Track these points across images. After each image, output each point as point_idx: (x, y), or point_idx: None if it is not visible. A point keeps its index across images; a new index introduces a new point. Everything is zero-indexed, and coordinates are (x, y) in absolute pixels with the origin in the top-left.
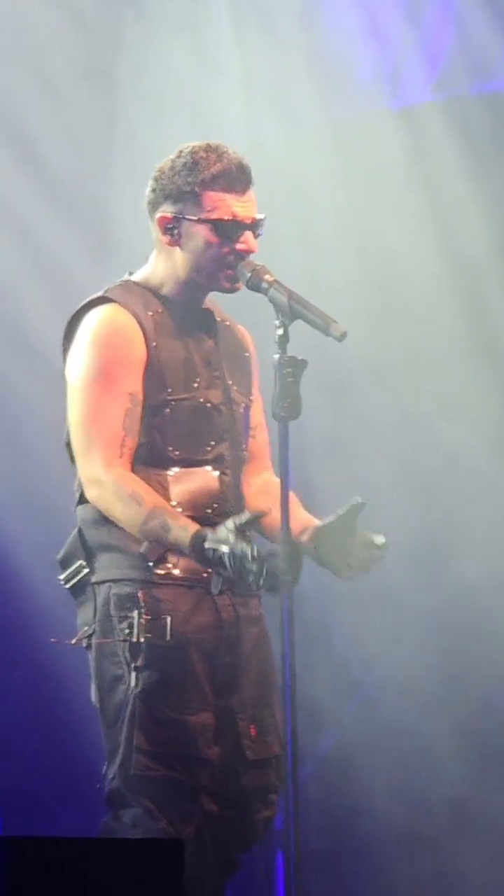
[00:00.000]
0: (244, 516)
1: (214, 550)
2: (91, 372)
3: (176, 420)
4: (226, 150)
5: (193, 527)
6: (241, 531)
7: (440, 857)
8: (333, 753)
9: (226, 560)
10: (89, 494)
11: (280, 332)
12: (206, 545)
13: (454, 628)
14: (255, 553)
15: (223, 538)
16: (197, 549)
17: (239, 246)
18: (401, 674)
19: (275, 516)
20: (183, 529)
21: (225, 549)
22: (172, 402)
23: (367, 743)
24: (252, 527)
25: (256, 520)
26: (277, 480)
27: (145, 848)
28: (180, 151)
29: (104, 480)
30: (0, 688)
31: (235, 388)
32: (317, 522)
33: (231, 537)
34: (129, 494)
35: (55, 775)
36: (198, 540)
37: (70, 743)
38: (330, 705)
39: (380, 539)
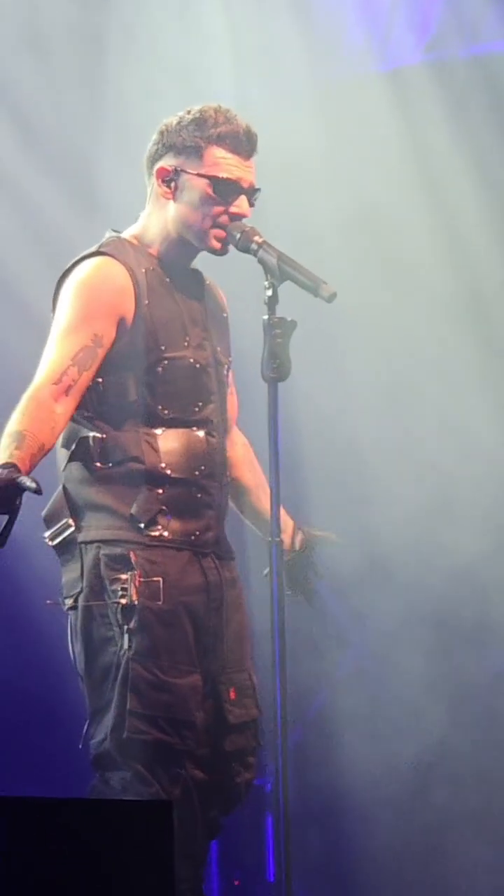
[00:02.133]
0: None
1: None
2: (67, 312)
3: (167, 379)
4: (235, 115)
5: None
6: None
7: (429, 815)
8: (322, 717)
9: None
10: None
11: (269, 293)
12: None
13: (446, 591)
14: None
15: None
16: None
17: (233, 208)
18: (391, 637)
19: (256, 495)
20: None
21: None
22: (165, 361)
23: (356, 707)
24: None
25: None
26: (247, 441)
27: (135, 809)
28: (189, 109)
29: (23, 398)
30: None
31: (219, 348)
32: (290, 521)
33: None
34: (18, 410)
35: (43, 737)
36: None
37: (55, 703)
38: (318, 669)
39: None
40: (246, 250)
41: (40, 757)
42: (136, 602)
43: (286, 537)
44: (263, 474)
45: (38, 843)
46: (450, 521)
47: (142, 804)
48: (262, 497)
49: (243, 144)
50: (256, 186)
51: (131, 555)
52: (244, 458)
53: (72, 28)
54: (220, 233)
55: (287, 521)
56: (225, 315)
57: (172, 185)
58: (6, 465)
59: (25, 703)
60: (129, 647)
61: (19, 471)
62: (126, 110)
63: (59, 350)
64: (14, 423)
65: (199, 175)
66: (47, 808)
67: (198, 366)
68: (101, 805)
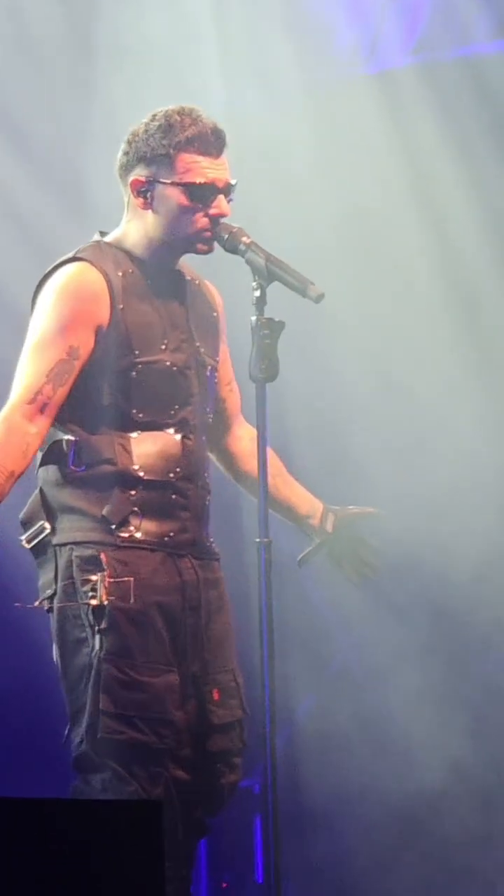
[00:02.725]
0: None
1: None
2: (42, 324)
3: (141, 383)
4: (200, 114)
5: None
6: None
7: (422, 813)
8: (310, 718)
9: None
10: None
11: (257, 293)
12: None
13: (436, 592)
14: None
15: None
16: None
17: (212, 210)
18: (379, 637)
19: (273, 484)
20: None
21: None
22: (139, 365)
23: (344, 707)
24: None
25: None
26: (255, 434)
27: (123, 809)
28: (154, 115)
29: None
30: None
31: (203, 349)
32: (320, 504)
33: None
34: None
35: (25, 737)
36: None
37: (38, 704)
38: (309, 669)
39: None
40: (234, 251)
41: (27, 758)
42: (105, 602)
43: (315, 521)
44: (279, 460)
45: (24, 843)
46: (445, 521)
47: (129, 804)
48: (279, 486)
49: (212, 144)
50: (231, 182)
51: (102, 556)
52: (252, 451)
53: (60, 34)
54: (204, 235)
55: (315, 505)
56: (215, 315)
57: (148, 195)
58: None
59: (12, 706)
60: (101, 647)
61: None
62: (116, 115)
63: (34, 366)
64: None
65: (172, 184)
66: (33, 808)
67: (174, 368)
68: (88, 805)
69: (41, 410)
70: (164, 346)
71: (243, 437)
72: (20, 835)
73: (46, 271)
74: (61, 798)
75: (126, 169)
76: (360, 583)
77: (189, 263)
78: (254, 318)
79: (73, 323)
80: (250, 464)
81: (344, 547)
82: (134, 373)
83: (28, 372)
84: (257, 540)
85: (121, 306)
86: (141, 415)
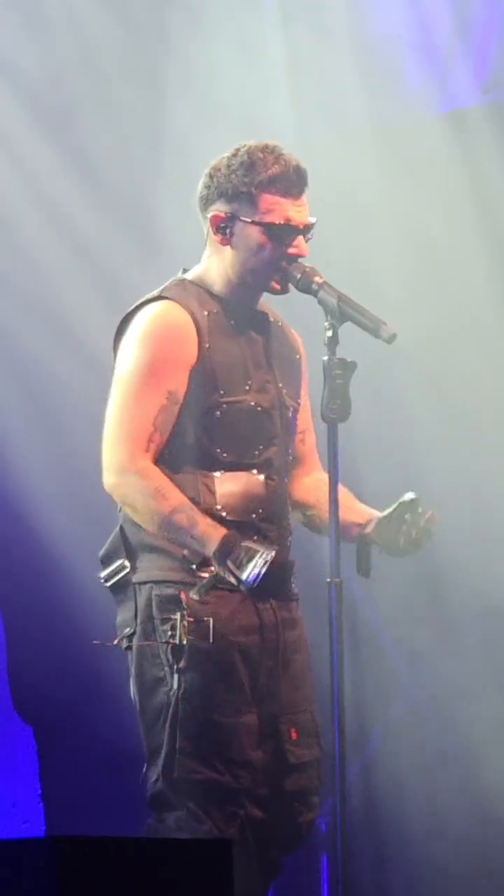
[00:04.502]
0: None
1: (248, 555)
2: (135, 365)
3: (226, 423)
4: (283, 153)
5: (223, 528)
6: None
7: (491, 856)
8: (380, 755)
9: (253, 564)
10: (106, 482)
11: (329, 333)
12: (242, 544)
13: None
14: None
15: (258, 547)
16: (227, 546)
17: (291, 250)
18: (448, 674)
19: (322, 510)
20: (213, 527)
21: (263, 554)
22: (224, 405)
23: (415, 745)
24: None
25: None
26: (327, 477)
27: (194, 848)
28: (237, 150)
29: (128, 470)
30: (48, 687)
31: (285, 391)
32: (376, 513)
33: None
34: (155, 488)
35: (101, 775)
36: (228, 539)
37: (114, 742)
38: (376, 707)
39: (409, 496)
40: (306, 291)
41: (103, 796)
42: (184, 642)
43: (362, 520)
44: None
45: (97, 881)
46: None
47: (200, 843)
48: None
49: (294, 184)
50: (311, 221)
51: (182, 595)
52: (311, 486)
53: (130, 68)
54: (280, 275)
55: (361, 511)
56: (297, 356)
57: (228, 231)
58: (231, 533)
59: (87, 744)
60: (179, 686)
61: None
62: (185, 147)
63: (138, 411)
64: (162, 498)
65: (253, 222)
66: (107, 846)
67: (259, 409)
68: (160, 844)
69: (153, 457)
70: (248, 387)
71: (305, 482)
72: (93, 873)
73: (130, 309)
74: (134, 836)
75: (206, 203)
76: (422, 548)
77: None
78: (326, 359)
79: (167, 365)
80: (302, 497)
81: (390, 530)
82: (219, 412)
83: (133, 417)
84: (328, 580)
85: (207, 345)
86: (225, 454)
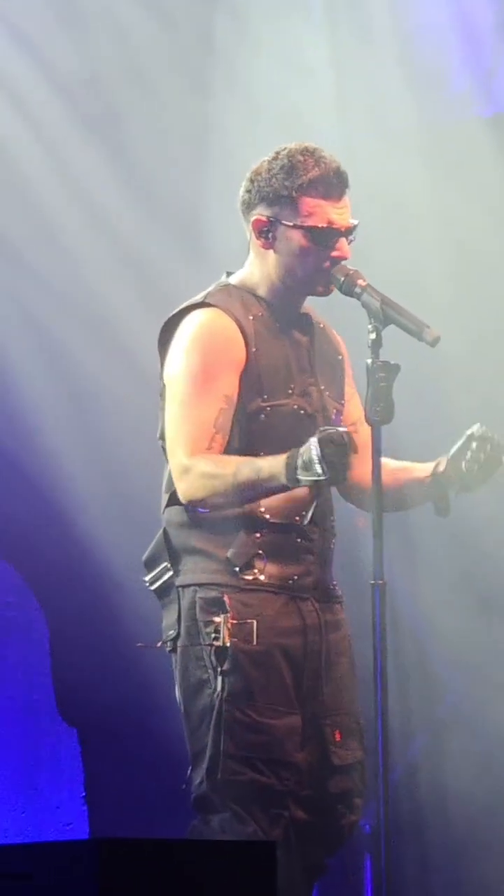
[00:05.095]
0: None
1: (306, 451)
2: (190, 371)
3: (270, 426)
4: (323, 155)
5: (282, 455)
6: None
7: None
8: (423, 758)
9: (313, 451)
10: (179, 489)
11: (373, 336)
12: (299, 451)
13: None
14: (344, 432)
15: (309, 441)
16: (290, 465)
17: (334, 252)
18: (493, 678)
19: (394, 477)
20: (274, 459)
21: (314, 440)
22: (268, 409)
23: (457, 748)
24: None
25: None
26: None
27: (237, 850)
28: (277, 153)
29: (189, 466)
30: (92, 690)
31: (328, 393)
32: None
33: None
34: (213, 464)
35: (145, 777)
36: (290, 456)
37: (158, 745)
38: (421, 710)
39: (475, 427)
40: (349, 294)
41: (148, 798)
42: (228, 644)
43: (426, 471)
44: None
45: (141, 883)
46: None
47: (243, 844)
48: (398, 475)
49: (335, 186)
50: (353, 223)
51: (225, 598)
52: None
53: (175, 73)
54: (323, 278)
55: (422, 466)
56: (340, 357)
57: (270, 235)
58: (289, 454)
59: (132, 745)
60: (223, 689)
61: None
62: (230, 151)
63: (197, 416)
64: (221, 468)
65: (294, 226)
66: (151, 848)
67: (302, 412)
68: (204, 846)
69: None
70: (290, 391)
71: (362, 465)
72: (137, 875)
73: (173, 314)
74: (178, 838)
75: (248, 207)
76: (494, 471)
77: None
78: (369, 361)
79: (221, 369)
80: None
81: (461, 461)
82: (263, 416)
83: (193, 421)
84: (372, 582)
85: (255, 349)
86: None
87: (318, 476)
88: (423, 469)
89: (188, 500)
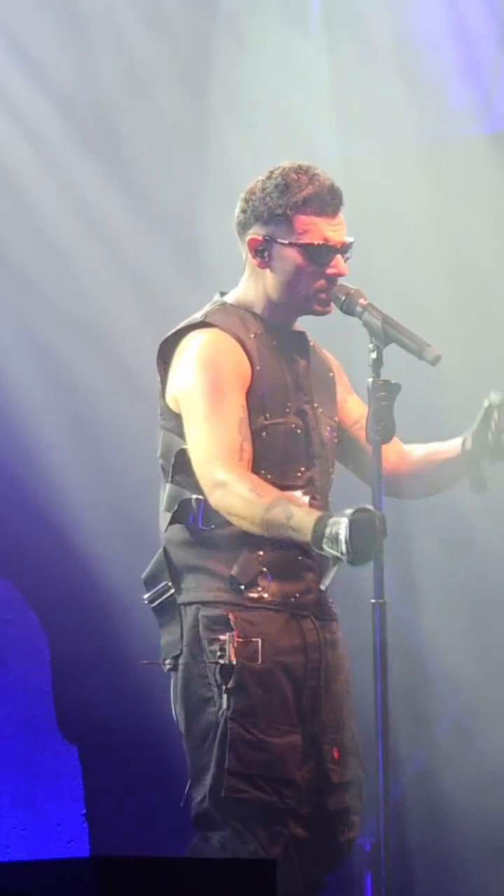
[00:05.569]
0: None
1: (335, 525)
2: (204, 389)
3: (270, 444)
4: (317, 173)
5: (317, 512)
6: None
7: None
8: (423, 777)
9: (342, 532)
10: (212, 499)
11: (374, 355)
12: (330, 521)
13: None
14: (379, 518)
15: (344, 514)
16: (318, 531)
17: (330, 270)
18: (491, 696)
19: (427, 460)
20: (307, 514)
21: (344, 521)
22: (269, 426)
23: (457, 765)
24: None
25: None
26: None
27: (238, 868)
28: (271, 173)
29: (226, 481)
30: (92, 707)
31: (321, 410)
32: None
33: (350, 513)
34: (250, 489)
35: (145, 795)
36: (321, 520)
37: (158, 762)
38: (421, 728)
39: (491, 395)
40: (350, 313)
41: (146, 816)
42: (234, 662)
43: (455, 449)
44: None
45: None
46: None
47: (244, 862)
48: (431, 457)
49: (329, 203)
50: (349, 240)
51: (230, 616)
52: (401, 460)
53: (175, 88)
54: (322, 296)
55: (449, 444)
56: (331, 375)
57: (266, 254)
58: (321, 517)
59: (130, 763)
60: (228, 706)
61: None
62: (229, 165)
63: (221, 424)
64: (257, 497)
65: (290, 244)
66: (151, 866)
67: (298, 431)
68: (204, 864)
69: (248, 467)
70: (288, 409)
71: (392, 454)
72: (137, 893)
73: (172, 333)
74: (179, 856)
75: (243, 227)
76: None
77: (304, 324)
78: (370, 380)
79: (231, 387)
80: (407, 467)
81: (488, 435)
82: (264, 433)
83: (220, 431)
84: (372, 601)
85: (258, 368)
86: (269, 476)
87: (341, 556)
88: (451, 448)
89: (219, 510)
